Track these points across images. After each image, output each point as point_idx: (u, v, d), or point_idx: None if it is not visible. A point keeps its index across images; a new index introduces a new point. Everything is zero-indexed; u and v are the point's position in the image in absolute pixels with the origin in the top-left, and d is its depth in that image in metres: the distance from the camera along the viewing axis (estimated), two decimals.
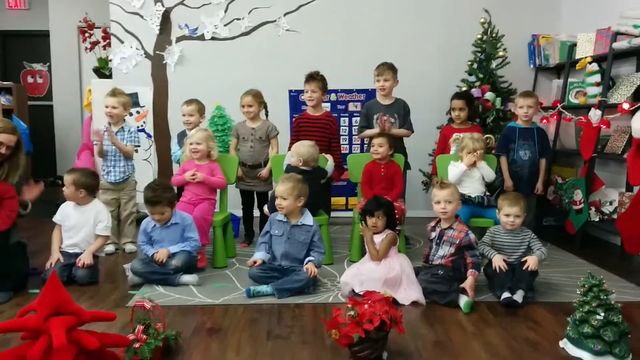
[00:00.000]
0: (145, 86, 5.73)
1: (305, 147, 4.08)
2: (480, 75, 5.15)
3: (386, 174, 4.19)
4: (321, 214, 4.09)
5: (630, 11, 4.28)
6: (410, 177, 4.85)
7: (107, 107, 4.38)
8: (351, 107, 5.57)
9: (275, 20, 5.74)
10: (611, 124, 4.39)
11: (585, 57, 4.75)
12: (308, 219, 3.58)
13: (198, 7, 5.71)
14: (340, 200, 5.55)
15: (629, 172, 3.88)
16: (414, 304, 3.20)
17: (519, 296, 3.17)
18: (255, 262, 3.48)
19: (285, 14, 5.72)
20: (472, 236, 3.34)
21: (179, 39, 5.75)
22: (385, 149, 4.16)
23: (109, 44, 6.35)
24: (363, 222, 3.53)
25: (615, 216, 4.37)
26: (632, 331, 2.54)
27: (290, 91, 5.51)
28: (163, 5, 5.68)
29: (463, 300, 3.12)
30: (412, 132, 4.54)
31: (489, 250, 3.43)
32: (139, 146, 4.55)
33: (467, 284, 3.20)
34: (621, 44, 4.31)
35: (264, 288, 3.34)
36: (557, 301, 3.27)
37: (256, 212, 4.66)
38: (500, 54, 5.16)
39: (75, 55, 8.09)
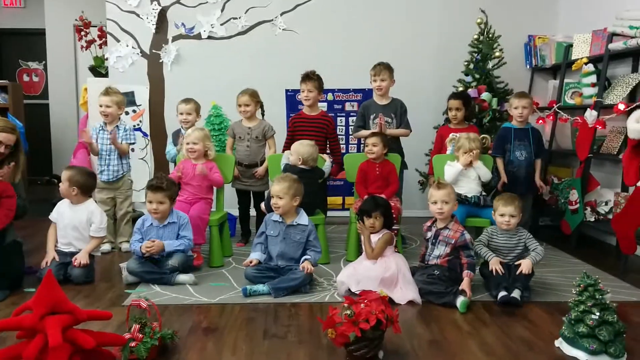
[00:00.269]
0: (141, 85, 5.72)
1: (305, 147, 4.08)
2: (477, 76, 5.16)
3: (381, 173, 4.19)
4: (318, 214, 4.10)
5: (626, 12, 4.29)
6: (407, 176, 4.85)
7: (101, 106, 4.37)
8: (348, 106, 5.56)
9: (272, 20, 5.73)
10: (607, 124, 4.42)
11: (581, 58, 4.77)
12: (303, 218, 3.59)
13: (195, 6, 5.70)
14: (337, 199, 5.55)
15: (625, 173, 3.89)
16: (410, 303, 3.20)
17: (516, 294, 3.17)
18: (251, 262, 3.48)
19: (282, 14, 5.72)
20: (467, 236, 3.35)
21: (175, 38, 5.74)
22: (380, 148, 4.16)
23: (105, 43, 6.34)
24: (360, 221, 3.53)
25: (610, 216, 4.39)
26: (628, 330, 2.56)
27: (286, 90, 5.50)
28: (159, 4, 5.67)
29: (459, 300, 3.12)
30: (411, 131, 4.54)
31: (486, 252, 3.44)
32: (133, 143, 4.53)
33: (464, 285, 3.20)
34: (617, 45, 4.32)
35: (261, 287, 3.34)
36: (552, 301, 3.28)
37: (252, 212, 4.66)
38: (497, 54, 5.17)
39: (71, 54, 8.06)
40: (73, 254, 3.59)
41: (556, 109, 5.09)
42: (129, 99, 5.61)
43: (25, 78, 8.68)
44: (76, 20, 6.84)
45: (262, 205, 4.17)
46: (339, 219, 5.36)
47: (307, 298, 3.30)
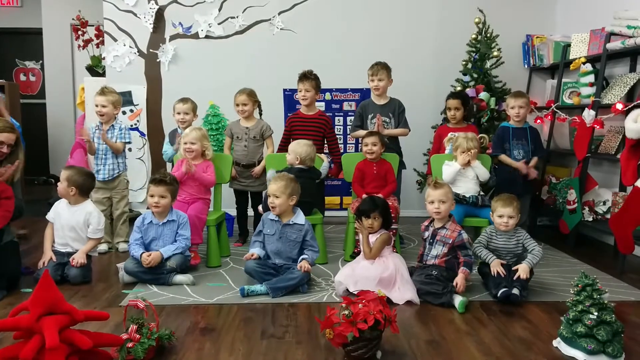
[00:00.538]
0: (138, 84, 5.71)
1: (302, 147, 4.08)
2: (475, 75, 5.17)
3: (379, 172, 4.19)
4: (315, 213, 4.09)
5: (624, 12, 4.30)
6: (405, 176, 4.85)
7: (97, 105, 4.36)
8: (346, 106, 5.56)
9: (269, 19, 5.72)
10: (605, 124, 4.41)
11: (579, 58, 4.77)
12: (300, 217, 3.59)
13: (192, 5, 5.69)
14: (335, 199, 5.55)
15: (622, 172, 3.89)
16: (408, 303, 3.20)
17: (516, 292, 3.17)
18: (252, 255, 3.48)
19: (279, 13, 5.71)
20: (465, 236, 3.35)
21: (172, 37, 5.73)
22: (379, 148, 4.15)
23: (102, 42, 6.33)
24: (359, 221, 3.53)
25: (608, 216, 4.39)
26: (625, 330, 2.56)
27: (284, 90, 5.50)
28: (157, 3, 5.65)
29: (458, 300, 3.12)
30: (409, 130, 4.54)
31: (487, 254, 3.43)
32: (129, 142, 4.52)
33: (457, 280, 3.20)
34: (615, 45, 4.32)
35: (258, 287, 3.33)
36: (550, 300, 3.28)
37: (250, 212, 4.65)
38: (495, 53, 5.17)
39: (68, 53, 8.04)
40: (70, 254, 3.58)
41: (554, 109, 5.10)
42: (126, 98, 5.61)
43: (22, 77, 8.66)
44: (73, 19, 6.82)
45: (260, 208, 4.15)
46: (337, 218, 5.36)
47: (305, 298, 3.30)
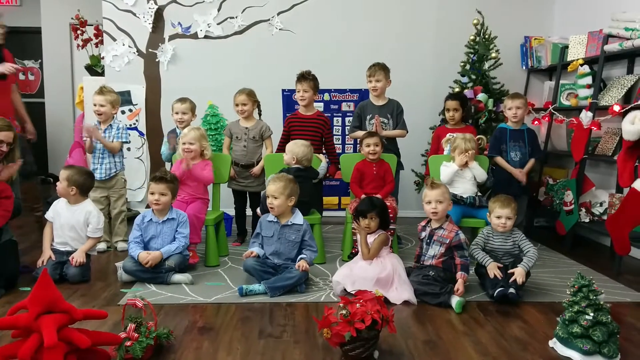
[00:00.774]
0: (137, 84, 5.72)
1: (299, 147, 4.09)
2: (473, 77, 5.18)
3: (378, 173, 4.20)
4: (313, 213, 4.10)
5: (621, 14, 4.32)
6: (403, 177, 4.86)
7: (95, 105, 4.37)
8: (344, 106, 5.57)
9: (268, 20, 5.73)
10: (602, 125, 4.43)
11: (577, 59, 4.79)
12: (298, 218, 3.60)
13: (191, 5, 5.69)
14: (333, 199, 5.56)
15: (619, 174, 3.91)
16: (406, 303, 3.21)
17: (512, 290, 3.18)
18: (252, 253, 3.49)
19: (278, 13, 5.71)
20: (462, 236, 3.36)
21: (171, 37, 5.73)
22: (380, 148, 4.17)
23: (101, 42, 6.33)
24: (356, 222, 3.54)
25: (605, 217, 4.41)
26: (621, 331, 2.57)
27: (283, 90, 5.51)
28: (156, 3, 5.65)
29: (455, 300, 3.13)
30: (407, 132, 4.55)
31: (483, 256, 3.42)
32: (126, 142, 4.52)
33: (457, 285, 3.21)
34: (612, 47, 4.34)
35: (256, 287, 3.34)
36: (547, 301, 3.29)
37: (248, 212, 4.66)
38: (493, 55, 5.17)
39: (67, 53, 8.04)
40: (69, 253, 3.59)
41: (552, 110, 5.11)
42: (125, 98, 5.61)
43: (21, 77, 8.64)
44: (72, 18, 6.81)
45: (259, 210, 4.15)
46: (335, 219, 5.37)
47: (302, 298, 3.31)
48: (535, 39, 5.69)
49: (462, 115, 4.61)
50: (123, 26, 5.71)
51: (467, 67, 5.25)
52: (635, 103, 4.04)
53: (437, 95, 5.21)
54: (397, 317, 2.69)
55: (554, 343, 2.64)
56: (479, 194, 4.20)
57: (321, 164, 4.27)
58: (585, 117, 4.46)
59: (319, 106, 5.18)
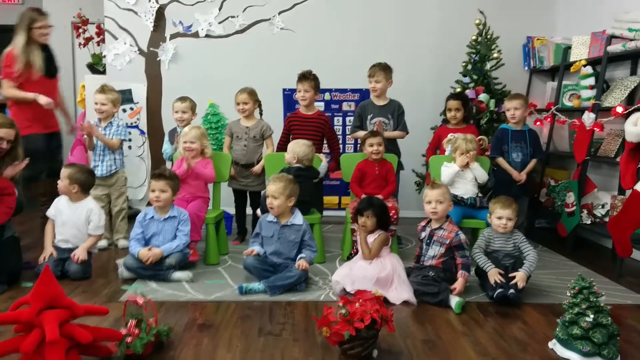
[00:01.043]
0: (139, 83, 5.72)
1: (301, 146, 4.09)
2: (475, 77, 5.17)
3: (380, 173, 4.19)
4: (314, 213, 4.10)
5: (625, 15, 4.30)
6: (403, 177, 4.86)
7: (96, 103, 4.38)
8: (345, 106, 5.58)
9: (269, 19, 5.73)
10: (604, 127, 4.42)
11: (580, 60, 4.78)
12: (298, 218, 3.60)
13: (192, 4, 5.69)
14: (334, 199, 5.56)
15: (622, 176, 3.90)
16: (405, 303, 3.21)
17: (512, 291, 3.17)
18: (252, 252, 3.49)
19: (279, 13, 5.71)
20: (462, 236, 3.35)
21: (173, 36, 5.74)
22: (383, 148, 4.16)
23: (102, 40, 6.32)
24: (356, 222, 3.54)
25: (607, 219, 4.39)
26: (621, 333, 2.56)
27: (284, 90, 5.51)
28: (157, 2, 5.66)
29: (454, 301, 3.12)
30: (407, 133, 4.55)
31: (484, 262, 3.39)
32: (126, 140, 4.52)
33: (457, 284, 3.21)
34: (616, 47, 4.33)
35: (256, 285, 3.34)
36: (547, 302, 3.28)
37: (249, 211, 4.66)
38: (495, 55, 5.17)
39: (69, 51, 8.00)
40: (71, 250, 3.60)
41: (554, 111, 5.10)
42: (127, 96, 5.61)
43: None
44: (74, 17, 6.81)
45: (258, 211, 4.15)
46: (335, 218, 5.37)
47: (302, 296, 3.31)
48: (537, 39, 5.68)
49: (464, 115, 4.60)
50: (124, 25, 5.72)
51: (469, 67, 5.24)
52: (639, 104, 4.03)
53: (439, 95, 5.20)
54: (396, 316, 2.69)
55: (553, 344, 2.63)
56: (480, 194, 4.19)
57: (321, 163, 4.27)
58: (588, 118, 4.46)
59: (320, 106, 5.18)
